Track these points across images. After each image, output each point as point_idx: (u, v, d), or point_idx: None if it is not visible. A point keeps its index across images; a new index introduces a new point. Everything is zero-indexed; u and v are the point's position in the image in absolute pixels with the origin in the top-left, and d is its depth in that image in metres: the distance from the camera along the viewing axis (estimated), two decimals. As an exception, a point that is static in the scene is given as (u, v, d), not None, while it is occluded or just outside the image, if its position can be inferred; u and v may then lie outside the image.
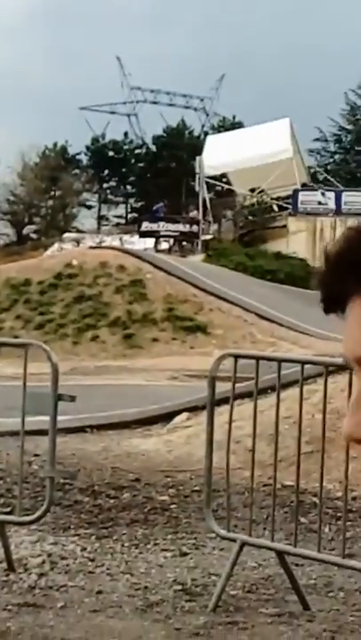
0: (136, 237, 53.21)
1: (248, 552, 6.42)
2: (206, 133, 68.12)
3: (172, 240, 53.00)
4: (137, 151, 76.27)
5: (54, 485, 6.76)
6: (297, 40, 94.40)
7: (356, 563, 5.93)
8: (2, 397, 6.52)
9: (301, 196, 52.61)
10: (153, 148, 75.49)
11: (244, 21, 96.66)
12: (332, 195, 53.28)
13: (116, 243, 47.83)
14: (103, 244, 45.68)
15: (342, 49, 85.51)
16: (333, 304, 1.27)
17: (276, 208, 54.08)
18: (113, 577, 6.55)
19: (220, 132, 67.55)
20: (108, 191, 77.60)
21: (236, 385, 6.49)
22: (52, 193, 72.35)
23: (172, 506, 8.78)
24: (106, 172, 76.26)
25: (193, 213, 54.60)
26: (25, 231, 71.15)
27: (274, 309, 33.34)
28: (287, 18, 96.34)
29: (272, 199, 54.09)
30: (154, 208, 58.84)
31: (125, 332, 30.75)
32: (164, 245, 51.64)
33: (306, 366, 6.51)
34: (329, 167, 68.45)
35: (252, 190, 54.28)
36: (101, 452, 11.39)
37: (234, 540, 6.13)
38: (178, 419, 13.41)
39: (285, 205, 53.15)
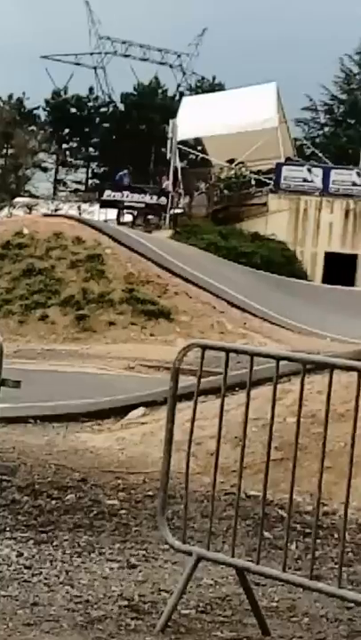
0: (96, 207, 53.22)
1: (204, 567, 6.44)
2: (182, 94, 68.28)
3: (136, 212, 53.02)
4: (102, 109, 76.29)
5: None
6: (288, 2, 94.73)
7: (324, 586, 5.96)
8: None
9: (285, 172, 52.66)
10: (121, 106, 75.53)
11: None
12: (319, 171, 53.37)
13: (74, 211, 47.86)
14: (59, 213, 45.64)
15: (341, 8, 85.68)
16: None
17: (255, 183, 54.10)
18: (51, 588, 6.56)
19: (197, 93, 67.73)
20: (68, 153, 77.57)
21: (202, 379, 6.50)
22: (4, 151, 72.19)
23: (122, 511, 8.80)
24: (66, 130, 76.22)
25: (165, 184, 54.46)
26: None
27: (247, 297, 33.44)
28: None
29: (252, 173, 54.14)
30: (118, 175, 58.78)
31: (78, 313, 30.72)
32: (127, 218, 51.65)
33: (281, 363, 6.53)
34: (318, 140, 68.74)
35: (230, 161, 54.36)
36: (45, 446, 11.40)
37: (189, 554, 6.14)
38: (133, 414, 13.44)
39: (266, 181, 53.22)
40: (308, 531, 7.32)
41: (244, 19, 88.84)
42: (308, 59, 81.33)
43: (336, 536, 7.10)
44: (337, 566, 6.08)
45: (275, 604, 6.59)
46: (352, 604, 6.17)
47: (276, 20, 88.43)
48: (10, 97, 74.38)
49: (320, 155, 60.05)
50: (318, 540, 6.33)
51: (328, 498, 6.63)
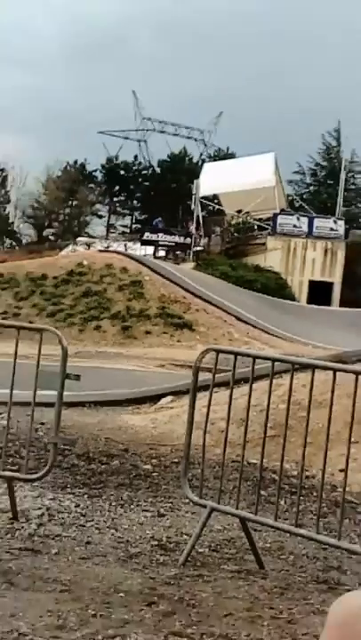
0: (138, 245, 53.21)
1: (215, 517, 6.44)
2: (203, 161, 68.12)
3: (167, 249, 53.10)
4: (144, 172, 76.26)
5: (56, 450, 6.76)
6: (285, 90, 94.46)
7: (305, 532, 5.95)
8: (17, 373, 6.51)
9: (280, 219, 52.69)
10: (158, 170, 75.48)
11: (243, 69, 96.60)
12: (305, 220, 53.35)
13: (121, 248, 47.79)
14: (110, 249, 45.64)
15: (323, 100, 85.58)
16: None
17: (257, 228, 54.12)
18: (100, 531, 6.56)
19: (215, 160, 67.53)
20: (117, 204, 77.57)
21: (216, 375, 6.50)
22: (70, 203, 72.31)
23: (154, 474, 8.80)
24: (116, 187, 76.23)
25: (190, 228, 54.59)
26: (44, 233, 71.11)
27: (250, 313, 33.39)
28: (277, 72, 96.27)
29: (255, 220, 54.14)
30: (154, 221, 58.93)
31: (123, 324, 30.75)
32: (161, 253, 51.70)
33: (275, 364, 6.53)
34: (305, 196, 68.52)
35: (239, 211, 54.34)
36: (97, 424, 11.40)
37: (204, 506, 6.15)
38: (163, 400, 13.43)
39: (265, 226, 53.18)
40: (293, 490, 7.30)
41: (252, 101, 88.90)
42: (299, 133, 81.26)
43: (315, 494, 7.07)
44: (315, 517, 6.06)
45: (268, 545, 6.57)
46: (326, 546, 6.15)
47: (275, 101, 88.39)
48: (75, 162, 74.58)
49: (306, 207, 59.91)
50: (301, 497, 6.30)
51: (309, 465, 6.61)
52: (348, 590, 5.71)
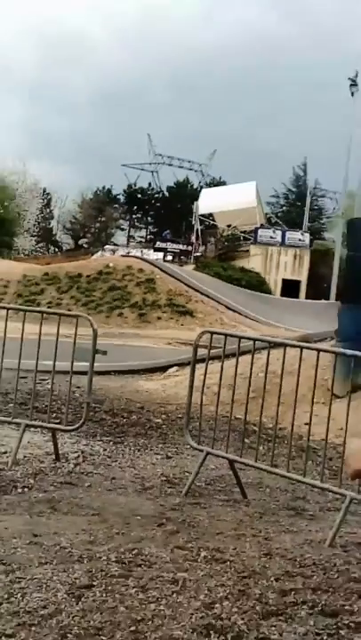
0: (151, 251, 53.19)
1: (210, 459, 6.44)
2: (202, 187, 67.89)
3: (174, 254, 53.06)
4: (156, 196, 76.00)
5: (89, 407, 6.76)
6: (264, 132, 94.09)
7: (279, 470, 5.94)
8: (59, 349, 6.52)
9: (260, 232, 52.69)
10: (167, 194, 75.25)
11: (233, 116, 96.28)
12: (279, 232, 53.38)
13: (138, 254, 47.65)
14: (130, 254, 45.57)
15: (294, 140, 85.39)
16: None
17: (242, 238, 54.07)
18: (122, 469, 6.57)
19: (210, 187, 67.34)
20: (136, 220, 77.33)
21: (210, 351, 6.50)
22: (99, 219, 72.11)
23: (163, 426, 8.81)
24: (135, 207, 76.00)
25: (192, 238, 54.64)
26: (80, 242, 70.88)
27: (237, 304, 33.38)
28: (259, 118, 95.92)
29: (241, 232, 54.08)
30: (164, 233, 58.86)
31: (140, 312, 30.74)
32: (169, 257, 51.61)
33: (256, 342, 6.51)
34: (279, 214, 68.33)
35: (228, 226, 54.33)
36: (119, 388, 11.42)
37: (201, 450, 6.14)
38: (170, 370, 13.43)
39: (249, 237, 53.18)
40: (270, 438, 7.29)
41: (239, 140, 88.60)
42: (275, 166, 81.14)
43: (286, 442, 7.07)
44: (286, 459, 6.06)
45: (250, 481, 6.58)
46: (295, 481, 6.15)
47: (256, 141, 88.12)
48: (103, 187, 74.34)
49: (280, 223, 59.75)
50: (276, 444, 6.30)
51: (282, 420, 6.59)
52: (312, 515, 5.73)
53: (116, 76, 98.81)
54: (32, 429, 7.11)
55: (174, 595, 3.79)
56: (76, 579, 3.87)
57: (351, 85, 44.05)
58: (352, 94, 44.22)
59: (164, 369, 13.63)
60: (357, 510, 5.84)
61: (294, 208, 68.41)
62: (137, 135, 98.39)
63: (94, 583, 3.84)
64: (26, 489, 5.56)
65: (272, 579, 4.16)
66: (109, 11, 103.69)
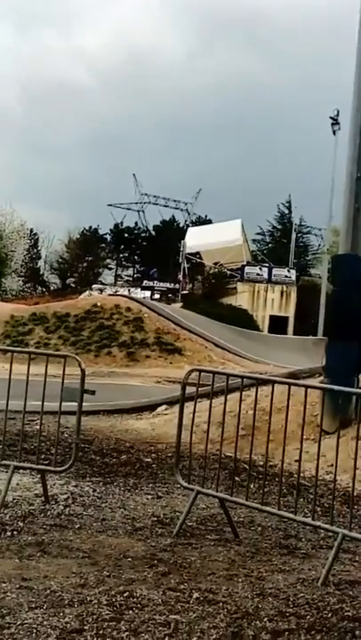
0: (139, 290, 53.39)
1: (201, 498, 6.39)
2: (188, 226, 68.49)
3: (161, 293, 53.25)
4: (143, 234, 76.55)
5: (78, 448, 6.72)
6: (249, 172, 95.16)
7: (270, 508, 5.91)
8: (47, 389, 6.49)
9: (246, 269, 53.09)
10: (153, 233, 75.80)
11: (218, 156, 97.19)
12: (266, 269, 53.78)
13: (126, 292, 47.82)
14: (117, 293, 45.69)
15: (278, 179, 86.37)
16: None
17: (229, 276, 54.33)
18: (112, 510, 6.52)
19: (196, 225, 67.91)
20: (123, 259, 77.73)
21: (199, 389, 6.49)
22: (86, 258, 72.37)
23: (153, 465, 8.75)
24: (122, 246, 76.45)
25: (178, 276, 54.92)
26: (67, 282, 71.07)
27: (225, 341, 33.39)
28: (243, 159, 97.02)
29: (227, 270, 54.37)
30: (151, 272, 59.12)
31: (128, 350, 30.66)
32: (156, 296, 51.82)
33: (244, 380, 6.52)
34: (265, 252, 68.90)
35: (215, 263, 54.61)
36: (109, 427, 11.36)
37: (192, 490, 6.11)
38: (159, 409, 13.38)
39: (236, 274, 53.44)
40: (260, 476, 7.26)
41: (224, 180, 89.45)
42: (260, 204, 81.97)
43: (277, 479, 7.04)
44: (277, 497, 6.03)
45: (241, 519, 6.53)
46: (286, 519, 6.11)
47: (241, 180, 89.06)
48: (90, 227, 74.79)
49: (266, 260, 60.19)
50: (266, 482, 6.27)
51: (272, 457, 6.58)
52: (304, 553, 5.68)
53: (101, 118, 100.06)
54: (21, 471, 7.05)
55: (167, 638, 3.74)
56: (66, 623, 3.82)
57: (333, 124, 44.73)
58: (334, 132, 44.88)
59: (153, 408, 13.57)
60: (350, 547, 5.80)
61: (280, 245, 69.02)
62: (122, 176, 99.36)
63: (85, 627, 3.79)
64: (15, 532, 5.50)
65: (265, 619, 4.12)
66: (94, 56, 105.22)
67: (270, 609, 4.29)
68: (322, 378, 10.75)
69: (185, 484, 6.19)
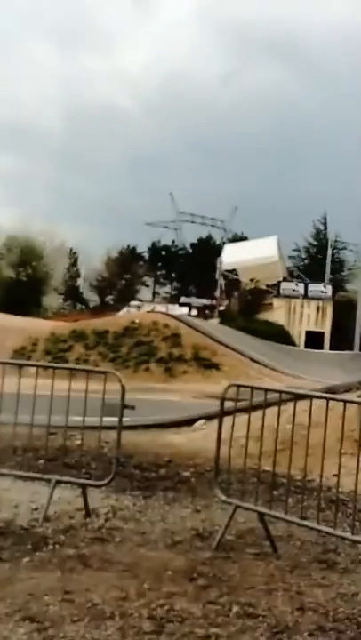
0: (177, 306, 53.52)
1: (240, 512, 6.35)
2: (224, 243, 68.49)
3: (199, 309, 53.30)
4: (180, 252, 76.81)
5: (118, 462, 6.74)
6: (284, 189, 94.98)
7: (308, 523, 5.85)
8: (88, 405, 6.53)
9: (282, 285, 52.98)
10: (190, 250, 76.01)
11: (253, 175, 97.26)
12: (302, 285, 53.58)
13: (164, 309, 47.98)
14: (155, 310, 45.86)
15: (313, 196, 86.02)
16: None
17: (265, 292, 54.22)
18: (152, 523, 6.51)
19: (232, 242, 67.93)
20: (160, 277, 78.02)
21: (237, 404, 6.48)
22: (124, 276, 72.88)
23: (192, 479, 8.72)
24: (159, 264, 76.77)
25: (215, 293, 55.02)
26: (106, 299, 71.60)
27: (261, 356, 33.29)
28: (279, 177, 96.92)
29: (264, 286, 54.26)
30: (188, 289, 59.23)
31: (166, 366, 30.71)
32: (194, 312, 51.90)
33: (282, 394, 6.49)
34: (301, 268, 68.60)
35: (252, 280, 54.52)
36: (148, 442, 11.35)
37: (231, 504, 6.08)
38: (198, 423, 13.35)
39: (272, 290, 53.34)
40: (299, 490, 7.19)
41: (259, 198, 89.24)
42: (296, 221, 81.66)
43: (315, 494, 6.97)
44: (316, 511, 5.97)
45: (280, 534, 6.47)
46: (325, 534, 6.04)
47: (277, 198, 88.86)
48: (128, 246, 75.31)
49: (302, 276, 59.99)
50: (305, 496, 6.21)
51: (310, 471, 6.51)
52: (343, 568, 5.61)
53: (139, 140, 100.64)
54: (62, 485, 7.08)
55: (207, 651, 3.72)
56: (108, 636, 3.82)
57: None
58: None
59: (191, 422, 13.55)
60: (390, 562, 5.71)
61: (316, 261, 68.62)
62: (160, 195, 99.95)
63: (127, 640, 3.78)
64: (57, 545, 5.52)
65: (305, 633, 4.07)
66: (133, 76, 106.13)
67: (310, 623, 4.24)
68: (359, 392, 10.65)
69: (224, 498, 6.16)
